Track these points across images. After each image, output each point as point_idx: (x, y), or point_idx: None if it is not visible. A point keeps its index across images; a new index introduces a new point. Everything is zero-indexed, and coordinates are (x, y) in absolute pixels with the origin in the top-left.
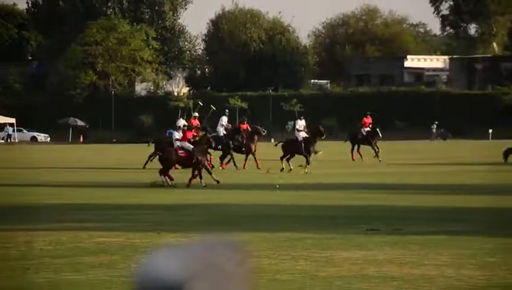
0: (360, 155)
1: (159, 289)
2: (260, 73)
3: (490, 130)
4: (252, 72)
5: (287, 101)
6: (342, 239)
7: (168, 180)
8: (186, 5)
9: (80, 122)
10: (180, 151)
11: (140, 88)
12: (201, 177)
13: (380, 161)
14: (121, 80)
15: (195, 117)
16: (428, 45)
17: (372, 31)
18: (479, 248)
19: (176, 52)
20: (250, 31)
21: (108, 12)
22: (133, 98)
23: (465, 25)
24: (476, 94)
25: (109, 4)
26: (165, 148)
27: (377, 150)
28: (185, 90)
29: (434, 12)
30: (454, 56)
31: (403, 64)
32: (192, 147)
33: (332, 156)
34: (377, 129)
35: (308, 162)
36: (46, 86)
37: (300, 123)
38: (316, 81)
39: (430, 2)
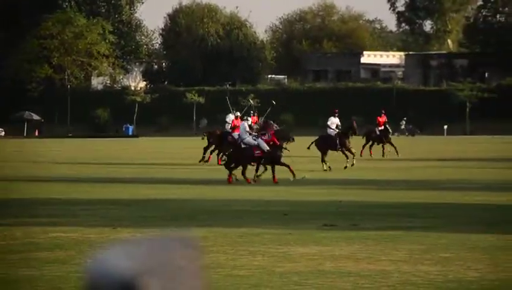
0: (370, 152)
1: (111, 284)
2: (217, 68)
3: (445, 126)
4: (209, 66)
5: (244, 96)
6: (299, 235)
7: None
8: None
9: (36, 117)
10: (256, 151)
11: (97, 82)
12: (256, 171)
13: (398, 156)
14: (77, 73)
15: (253, 115)
16: (384, 41)
17: (329, 26)
18: (434, 243)
19: (133, 46)
20: (207, 25)
21: (64, 6)
22: (89, 92)
23: (420, 21)
24: (431, 90)
25: None
26: (238, 146)
27: (391, 148)
28: (142, 84)
29: (390, 8)
30: (410, 52)
31: (360, 60)
32: (267, 147)
33: (295, 152)
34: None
35: (347, 156)
36: (1, 79)
37: (334, 120)
38: (273, 76)
39: None
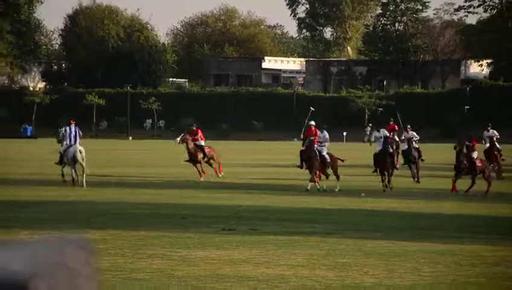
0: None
1: (1, 287)
2: (118, 70)
3: (345, 133)
4: (109, 68)
5: (145, 99)
6: (199, 238)
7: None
8: None
9: None
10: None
11: None
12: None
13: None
14: None
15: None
16: (285, 47)
17: (231, 31)
18: (332, 248)
19: (32, 47)
20: (108, 27)
21: None
22: None
23: (321, 28)
24: (331, 97)
25: None
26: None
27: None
28: (41, 85)
29: (291, 14)
30: (311, 59)
31: (261, 65)
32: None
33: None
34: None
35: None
36: None
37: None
38: (174, 79)
39: (287, 4)
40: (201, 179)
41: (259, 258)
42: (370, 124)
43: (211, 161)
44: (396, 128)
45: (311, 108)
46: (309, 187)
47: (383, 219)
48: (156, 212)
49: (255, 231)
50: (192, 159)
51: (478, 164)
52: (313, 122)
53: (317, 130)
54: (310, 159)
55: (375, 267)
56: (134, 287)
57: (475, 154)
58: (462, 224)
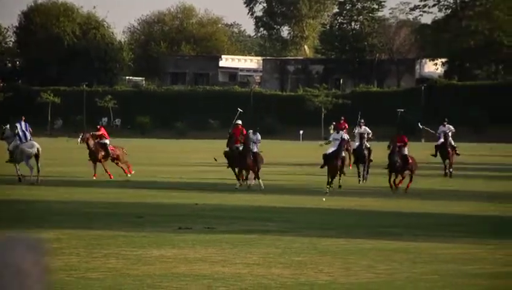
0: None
1: None
2: (74, 68)
3: (301, 131)
4: (65, 66)
5: (101, 97)
6: (155, 237)
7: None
8: None
9: None
10: None
11: None
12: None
13: None
14: None
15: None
16: (242, 46)
17: (188, 29)
18: (288, 246)
19: None
20: (63, 24)
21: None
22: None
23: (278, 27)
24: (287, 95)
25: None
26: None
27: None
28: None
29: (248, 13)
30: (268, 57)
31: (218, 64)
32: None
33: (151, 154)
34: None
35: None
36: None
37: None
38: (130, 78)
39: (245, 3)
40: (112, 178)
41: (215, 256)
42: (334, 123)
43: (116, 161)
44: (347, 126)
45: (239, 109)
46: (237, 186)
47: (339, 217)
48: (112, 211)
49: (210, 229)
50: (93, 158)
51: (410, 160)
52: (239, 122)
53: (243, 129)
54: (244, 158)
55: (330, 265)
56: (89, 287)
57: (406, 151)
58: (417, 222)
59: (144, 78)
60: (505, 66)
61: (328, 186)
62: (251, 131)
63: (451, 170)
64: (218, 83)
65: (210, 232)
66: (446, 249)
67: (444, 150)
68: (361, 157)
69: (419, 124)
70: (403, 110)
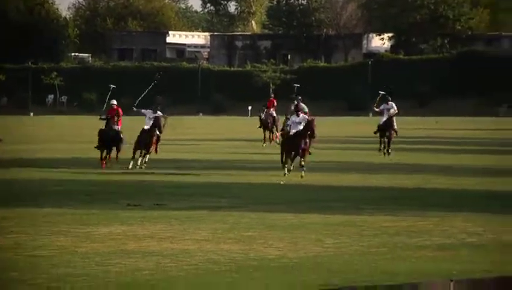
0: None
1: None
2: (18, 44)
3: (250, 107)
4: (9, 43)
5: (46, 74)
6: (103, 214)
7: None
8: None
9: None
10: None
11: None
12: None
13: None
14: None
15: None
16: (189, 21)
17: (134, 5)
18: (237, 222)
19: None
20: (7, 0)
21: None
22: None
23: (225, 2)
24: (236, 71)
25: None
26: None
27: None
28: None
29: None
30: (215, 33)
31: (165, 40)
32: None
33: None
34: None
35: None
36: None
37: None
38: (77, 54)
39: None
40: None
41: (164, 233)
42: (300, 97)
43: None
44: (275, 103)
45: (112, 86)
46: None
47: (287, 193)
48: (61, 189)
49: (159, 206)
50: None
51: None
52: (114, 102)
53: (119, 109)
54: (151, 137)
55: (279, 240)
56: (37, 265)
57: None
58: (364, 196)
59: (90, 55)
60: (450, 40)
61: (286, 165)
62: (150, 110)
63: (389, 150)
64: (166, 59)
65: (159, 208)
66: (393, 222)
67: (384, 131)
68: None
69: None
70: (298, 85)
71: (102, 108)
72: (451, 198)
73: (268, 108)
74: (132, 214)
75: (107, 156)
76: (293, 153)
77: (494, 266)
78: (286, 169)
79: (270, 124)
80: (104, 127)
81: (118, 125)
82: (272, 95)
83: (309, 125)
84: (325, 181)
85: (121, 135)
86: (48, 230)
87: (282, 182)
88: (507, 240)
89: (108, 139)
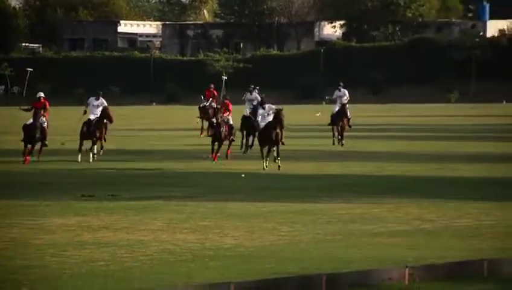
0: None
1: None
2: None
3: (202, 96)
4: None
5: None
6: (57, 206)
7: None
8: None
9: None
10: None
11: None
12: None
13: None
14: None
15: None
16: (141, 11)
17: None
18: (193, 211)
19: None
20: None
21: None
22: None
23: None
24: (188, 60)
25: None
26: None
27: None
28: None
29: None
30: (167, 22)
31: (116, 29)
32: None
33: (58, 122)
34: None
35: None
36: None
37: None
38: (27, 44)
39: None
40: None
41: (119, 223)
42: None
43: None
44: (216, 93)
45: (28, 69)
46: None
47: (243, 181)
48: (12, 181)
49: (114, 196)
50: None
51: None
52: (41, 94)
53: (46, 102)
54: (99, 129)
55: (235, 229)
56: None
57: (231, 120)
58: (319, 184)
59: (40, 45)
60: (401, 27)
61: (264, 160)
62: (93, 98)
63: (343, 141)
64: (117, 49)
65: (113, 199)
66: (348, 209)
67: (337, 120)
68: (248, 126)
69: (327, 97)
70: (226, 77)
71: (54, 98)
72: (405, 185)
73: (208, 98)
74: (86, 205)
75: (31, 151)
76: (267, 146)
77: (448, 252)
78: (264, 163)
79: (210, 116)
80: (30, 120)
81: (44, 117)
82: (212, 86)
83: (277, 116)
84: (281, 170)
85: (46, 130)
86: (1, 222)
87: (243, 175)
88: (460, 225)
89: (34, 135)
